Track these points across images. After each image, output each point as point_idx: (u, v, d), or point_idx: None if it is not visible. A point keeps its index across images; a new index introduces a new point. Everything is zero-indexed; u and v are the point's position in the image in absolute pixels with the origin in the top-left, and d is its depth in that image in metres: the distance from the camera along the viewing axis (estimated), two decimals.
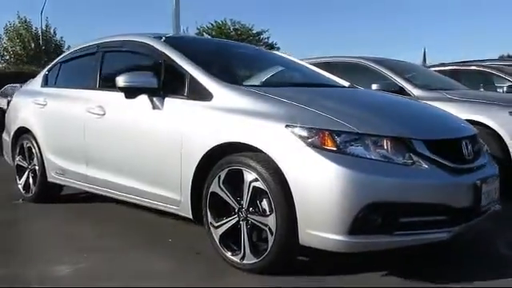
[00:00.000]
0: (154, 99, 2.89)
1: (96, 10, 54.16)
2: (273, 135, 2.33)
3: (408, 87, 4.72)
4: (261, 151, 2.35)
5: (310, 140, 2.23)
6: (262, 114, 2.43)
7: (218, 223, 2.52)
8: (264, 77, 3.50)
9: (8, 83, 15.54)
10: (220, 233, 2.51)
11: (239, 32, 32.78)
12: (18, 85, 13.21)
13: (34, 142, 3.98)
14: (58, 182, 3.83)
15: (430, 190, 2.25)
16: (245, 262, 2.41)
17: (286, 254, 2.33)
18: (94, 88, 3.51)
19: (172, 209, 2.85)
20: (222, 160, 2.51)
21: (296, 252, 2.37)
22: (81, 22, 50.70)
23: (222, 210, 2.51)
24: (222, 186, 2.50)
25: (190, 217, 2.73)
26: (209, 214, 2.57)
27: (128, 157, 3.11)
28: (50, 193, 4.01)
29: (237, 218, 2.44)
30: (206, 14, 56.28)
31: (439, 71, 6.35)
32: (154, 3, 49.84)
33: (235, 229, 2.45)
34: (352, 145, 2.22)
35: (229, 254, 2.48)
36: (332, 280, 2.35)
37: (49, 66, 4.35)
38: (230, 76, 3.05)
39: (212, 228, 2.56)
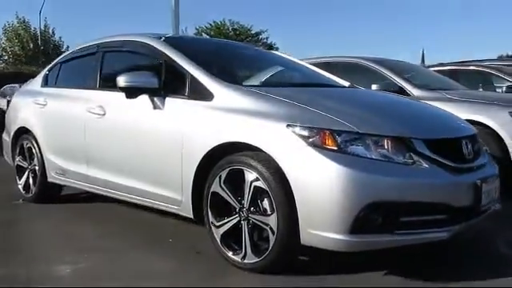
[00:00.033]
0: (155, 99, 2.89)
1: (95, 10, 54.07)
2: (274, 135, 2.34)
3: (408, 87, 4.74)
4: (262, 151, 2.35)
5: (310, 139, 2.23)
6: (263, 114, 2.44)
7: (219, 223, 2.53)
8: (264, 77, 3.50)
9: (7, 83, 15.49)
10: (221, 232, 2.52)
11: (238, 32, 32.78)
12: (16, 85, 13.18)
13: (34, 142, 3.98)
14: (58, 182, 3.83)
15: (430, 189, 2.26)
16: (246, 261, 2.41)
17: (287, 253, 2.33)
18: (94, 88, 3.51)
19: (173, 209, 2.86)
20: (222, 160, 2.51)
21: (297, 251, 2.37)
22: (80, 22, 50.68)
23: (223, 209, 2.52)
24: (222, 185, 2.50)
25: (191, 216, 2.73)
26: (210, 213, 2.58)
27: (129, 157, 3.11)
28: (50, 193, 4.01)
29: (238, 218, 2.45)
30: (205, 15, 56.29)
31: (438, 71, 6.36)
32: (153, 3, 49.88)
33: (236, 228, 2.46)
34: (353, 144, 2.23)
35: (230, 254, 2.48)
36: (333, 279, 2.35)
37: (49, 66, 4.35)
38: (231, 76, 3.05)
39: (213, 228, 2.56)
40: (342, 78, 3.68)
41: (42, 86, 4.21)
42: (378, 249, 2.24)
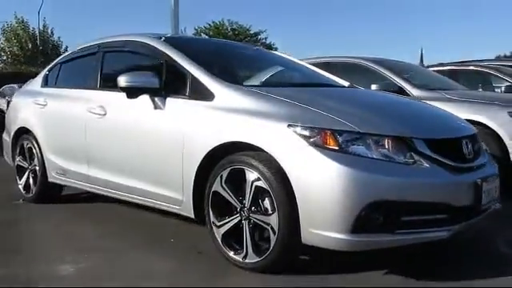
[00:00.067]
0: (156, 99, 2.90)
1: (93, 10, 54.10)
2: (275, 135, 2.35)
3: (407, 87, 4.75)
4: (263, 151, 2.36)
5: (312, 139, 2.24)
6: (264, 114, 2.44)
7: (220, 222, 2.53)
8: (265, 77, 3.51)
9: (6, 84, 15.48)
10: (222, 232, 2.52)
11: (237, 32, 32.79)
12: (15, 85, 13.17)
13: (34, 143, 3.98)
14: (58, 182, 3.83)
15: (431, 188, 2.27)
16: (247, 261, 2.42)
17: (288, 252, 2.34)
18: (94, 88, 3.51)
19: (174, 208, 2.86)
20: (224, 159, 2.52)
21: (298, 251, 2.38)
22: (78, 22, 50.70)
23: (224, 209, 2.53)
24: (224, 185, 2.51)
25: (192, 216, 2.74)
26: (211, 213, 2.58)
27: (130, 157, 3.12)
28: (50, 193, 4.01)
29: (239, 218, 2.45)
30: (205, 15, 56.31)
31: (438, 71, 6.38)
32: (152, 4, 49.86)
33: (237, 228, 2.47)
34: (354, 144, 2.23)
35: (231, 254, 2.49)
36: (334, 279, 2.36)
37: (49, 67, 4.35)
38: (232, 76, 3.06)
39: (214, 227, 2.57)
40: (341, 78, 3.69)
41: (42, 86, 4.21)
42: (379, 248, 2.25)
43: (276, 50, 26.98)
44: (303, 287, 2.30)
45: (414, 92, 4.67)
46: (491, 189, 2.53)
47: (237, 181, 2.45)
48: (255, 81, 3.34)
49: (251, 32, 33.54)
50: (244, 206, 2.43)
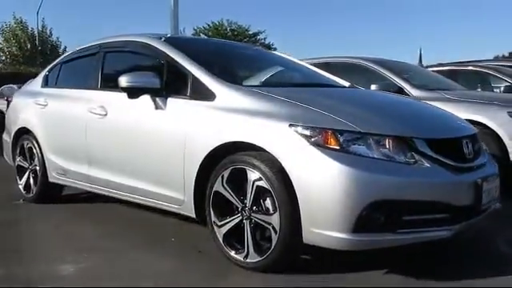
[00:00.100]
0: (157, 99, 2.90)
1: (92, 10, 54.04)
2: (276, 134, 2.35)
3: (407, 87, 4.76)
4: (264, 150, 2.36)
5: (313, 139, 2.25)
6: (265, 114, 2.45)
7: (222, 222, 2.54)
8: (265, 77, 3.51)
9: (5, 84, 15.47)
10: (223, 232, 2.53)
11: (236, 33, 32.80)
12: (14, 86, 13.17)
13: (34, 143, 3.98)
14: (59, 182, 3.83)
15: (431, 188, 2.28)
16: (248, 260, 2.42)
17: (289, 252, 2.34)
18: (95, 88, 3.51)
19: (175, 208, 2.86)
20: (225, 159, 2.52)
21: (299, 250, 2.39)
22: (77, 22, 50.66)
23: (225, 209, 2.53)
24: (225, 185, 2.51)
25: (194, 216, 2.74)
26: (212, 213, 2.59)
27: (131, 157, 3.12)
28: (50, 193, 4.01)
29: (240, 217, 2.46)
30: (204, 15, 56.32)
31: (437, 71, 6.39)
32: (151, 4, 49.83)
33: (238, 228, 2.47)
34: (355, 144, 2.24)
35: (232, 253, 2.49)
36: (335, 278, 2.36)
37: (49, 67, 4.35)
38: (233, 76, 3.06)
39: (215, 227, 2.57)
40: (341, 78, 3.69)
41: (42, 87, 4.22)
42: (380, 248, 2.26)
43: (275, 50, 26.99)
44: (304, 287, 2.31)
45: (414, 92, 4.69)
46: (491, 188, 2.54)
47: (238, 181, 2.46)
48: (256, 81, 3.35)
49: (250, 32, 33.55)
50: (245, 206, 2.44)
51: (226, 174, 2.51)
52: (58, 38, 32.56)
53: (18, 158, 4.22)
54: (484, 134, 3.78)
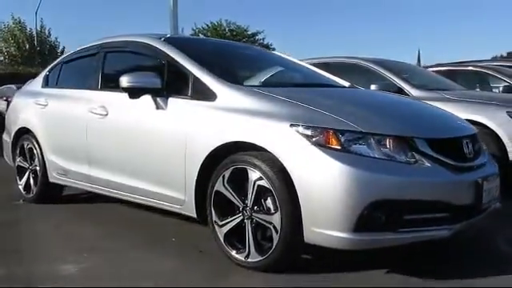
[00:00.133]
0: (158, 99, 2.91)
1: (91, 10, 54.03)
2: (277, 134, 2.36)
3: (406, 87, 4.77)
4: (265, 150, 2.37)
5: (314, 139, 2.25)
6: (267, 114, 2.45)
7: (223, 222, 2.54)
8: (265, 77, 3.52)
9: (3, 84, 15.45)
10: (224, 231, 2.53)
11: (234, 33, 32.79)
12: (13, 86, 13.15)
13: (35, 143, 3.98)
14: (59, 182, 3.83)
15: (432, 187, 2.29)
16: (249, 260, 2.43)
17: (290, 251, 2.35)
18: (96, 88, 3.51)
19: (176, 208, 2.87)
20: (226, 159, 2.53)
21: (300, 250, 2.39)
22: (76, 22, 50.63)
23: (226, 208, 2.53)
24: (226, 184, 2.52)
25: (195, 216, 2.75)
26: (213, 212, 2.59)
27: (132, 157, 3.12)
28: (51, 193, 4.01)
29: (241, 217, 2.46)
30: (203, 15, 56.34)
31: (436, 71, 6.41)
32: (151, 4, 49.83)
33: (239, 227, 2.48)
34: (356, 143, 2.25)
35: (233, 253, 2.49)
36: (336, 278, 2.37)
37: (49, 67, 4.35)
38: (233, 76, 3.06)
39: (216, 227, 2.57)
40: (341, 78, 3.70)
41: (42, 87, 4.22)
42: (381, 247, 2.27)
43: (274, 50, 26.97)
44: (305, 287, 2.31)
45: (413, 92, 4.70)
46: (492, 188, 2.55)
47: (239, 180, 2.46)
48: (256, 81, 3.35)
49: (249, 33, 33.55)
50: (246, 206, 2.44)
51: (227, 173, 2.51)
52: (56, 39, 32.53)
53: (18, 159, 4.22)
54: (483, 134, 3.79)
